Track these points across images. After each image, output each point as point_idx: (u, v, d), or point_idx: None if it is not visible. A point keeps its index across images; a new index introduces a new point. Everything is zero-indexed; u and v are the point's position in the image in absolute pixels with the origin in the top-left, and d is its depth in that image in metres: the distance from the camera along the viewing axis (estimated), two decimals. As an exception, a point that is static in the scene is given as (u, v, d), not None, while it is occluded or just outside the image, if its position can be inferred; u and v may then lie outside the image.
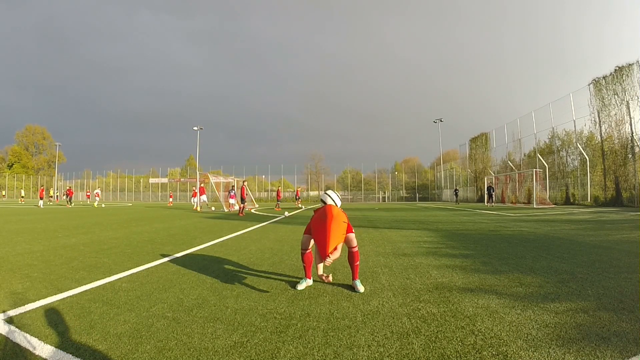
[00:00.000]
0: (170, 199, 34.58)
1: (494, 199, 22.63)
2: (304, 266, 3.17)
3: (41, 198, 22.92)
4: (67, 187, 28.40)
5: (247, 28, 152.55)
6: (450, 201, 36.76)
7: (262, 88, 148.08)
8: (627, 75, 17.67)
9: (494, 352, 1.79)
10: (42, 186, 26.87)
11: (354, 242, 3.09)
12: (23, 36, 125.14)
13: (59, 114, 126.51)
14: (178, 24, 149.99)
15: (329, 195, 3.22)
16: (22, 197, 35.82)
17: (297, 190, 28.34)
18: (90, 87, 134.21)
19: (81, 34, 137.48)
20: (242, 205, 15.04)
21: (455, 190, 31.93)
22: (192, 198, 22.93)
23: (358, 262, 3.09)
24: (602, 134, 18.91)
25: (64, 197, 26.39)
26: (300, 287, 3.08)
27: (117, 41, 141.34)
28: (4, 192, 41.75)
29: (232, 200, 17.94)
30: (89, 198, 35.21)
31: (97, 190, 26.33)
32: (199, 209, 19.43)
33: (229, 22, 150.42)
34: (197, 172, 33.30)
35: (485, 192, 24.19)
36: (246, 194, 15.92)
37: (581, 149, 20.21)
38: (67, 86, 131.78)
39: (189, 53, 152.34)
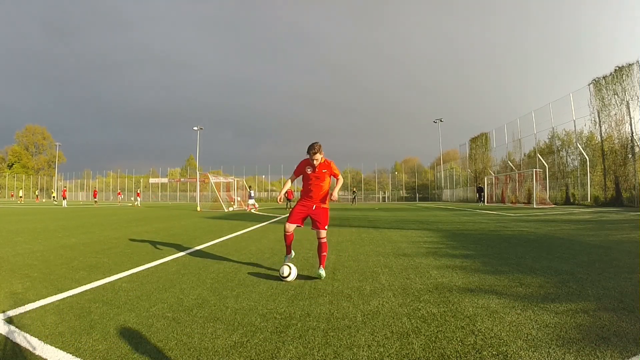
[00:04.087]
0: (139, 198, 27.87)
1: (483, 199, 22.53)
2: (286, 245, 3.61)
3: (64, 198, 23.38)
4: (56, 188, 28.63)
5: (246, 28, 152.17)
6: (451, 201, 36.74)
7: (261, 88, 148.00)
8: (627, 75, 17.67)
9: (494, 352, 1.78)
10: (65, 187, 27.18)
11: (323, 234, 3.44)
12: (25, 26, 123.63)
13: (59, 113, 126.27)
14: (188, 10, 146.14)
15: None
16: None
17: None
18: (91, 84, 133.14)
19: (86, 22, 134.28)
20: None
21: (479, 188, 27.16)
22: (137, 197, 23.04)
23: (325, 253, 3.44)
24: (602, 134, 18.91)
25: (51, 198, 26.51)
26: (290, 257, 3.66)
27: (124, 30, 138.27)
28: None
29: (251, 201, 18.15)
30: (95, 197, 35.40)
31: (138, 190, 26.02)
32: (198, 209, 19.44)
33: (240, 11, 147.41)
34: (197, 172, 33.26)
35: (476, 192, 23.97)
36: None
37: (581, 149, 20.20)
38: (68, 84, 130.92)
39: (194, 45, 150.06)
